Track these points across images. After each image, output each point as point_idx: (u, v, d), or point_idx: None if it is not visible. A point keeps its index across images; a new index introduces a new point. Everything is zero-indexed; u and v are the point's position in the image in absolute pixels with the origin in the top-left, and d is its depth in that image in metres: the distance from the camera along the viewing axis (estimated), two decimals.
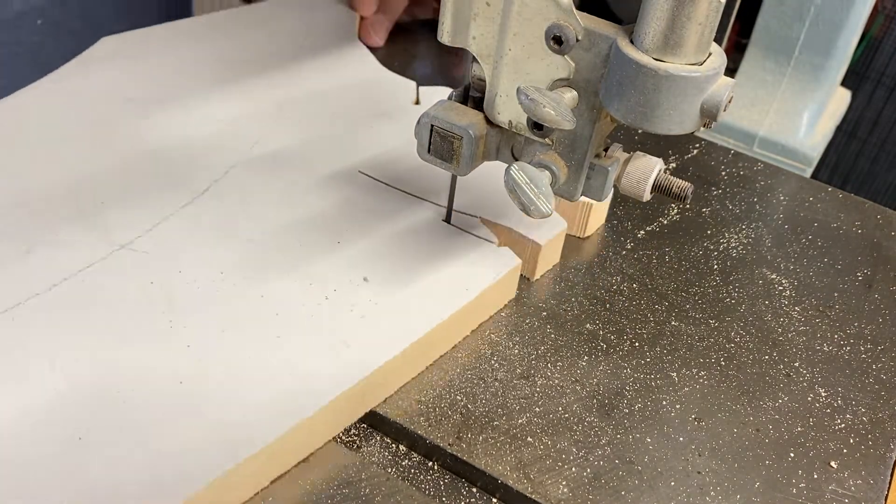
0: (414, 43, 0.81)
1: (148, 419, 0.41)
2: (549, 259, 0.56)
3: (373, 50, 0.75)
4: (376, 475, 0.43)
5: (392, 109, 0.67)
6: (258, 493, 0.41)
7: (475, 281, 0.51)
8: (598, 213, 0.60)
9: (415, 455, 0.45)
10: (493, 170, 0.52)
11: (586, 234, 0.60)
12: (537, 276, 0.56)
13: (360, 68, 0.72)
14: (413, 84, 0.70)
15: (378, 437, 0.45)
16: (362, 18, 0.77)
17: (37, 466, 0.39)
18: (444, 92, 0.70)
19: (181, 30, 0.71)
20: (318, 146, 0.61)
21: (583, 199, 0.56)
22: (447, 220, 0.55)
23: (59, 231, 0.50)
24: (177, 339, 0.45)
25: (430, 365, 0.49)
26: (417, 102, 0.69)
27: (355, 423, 0.46)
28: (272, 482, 0.42)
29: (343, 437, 0.45)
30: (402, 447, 0.45)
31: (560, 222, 0.56)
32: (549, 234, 0.55)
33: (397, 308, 0.49)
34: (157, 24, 0.87)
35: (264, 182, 0.57)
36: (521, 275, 0.55)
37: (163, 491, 0.38)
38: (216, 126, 0.61)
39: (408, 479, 0.44)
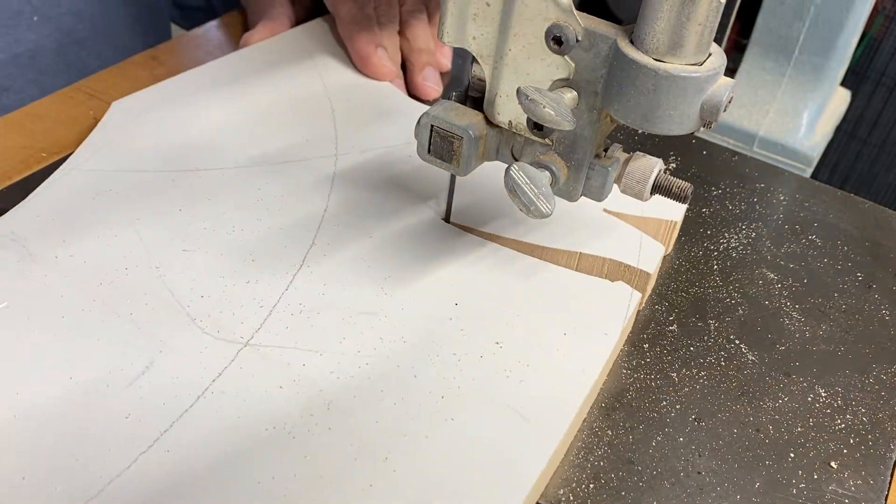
0: None
1: None
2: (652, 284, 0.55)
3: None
4: None
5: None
6: None
7: (608, 322, 0.49)
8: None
9: None
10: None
11: (668, 251, 0.58)
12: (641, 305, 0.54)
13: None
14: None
15: None
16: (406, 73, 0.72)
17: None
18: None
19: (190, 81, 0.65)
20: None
21: (665, 218, 0.55)
22: (446, 219, 0.55)
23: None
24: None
25: None
26: None
27: None
28: None
29: None
30: None
31: (658, 246, 0.54)
32: (655, 260, 0.53)
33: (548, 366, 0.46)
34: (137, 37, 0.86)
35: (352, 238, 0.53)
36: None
37: None
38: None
39: None
